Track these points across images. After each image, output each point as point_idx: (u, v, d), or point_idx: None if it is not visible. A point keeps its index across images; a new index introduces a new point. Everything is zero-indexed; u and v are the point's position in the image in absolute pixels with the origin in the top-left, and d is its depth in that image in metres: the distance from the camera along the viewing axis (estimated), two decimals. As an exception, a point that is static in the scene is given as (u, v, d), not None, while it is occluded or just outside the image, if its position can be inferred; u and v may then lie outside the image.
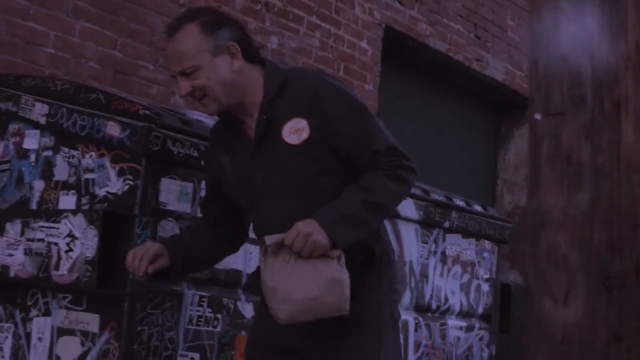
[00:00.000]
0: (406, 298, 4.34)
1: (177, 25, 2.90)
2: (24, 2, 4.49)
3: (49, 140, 3.69)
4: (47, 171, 3.67)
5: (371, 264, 2.91)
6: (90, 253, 3.24)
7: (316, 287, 2.67)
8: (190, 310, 3.46)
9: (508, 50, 7.68)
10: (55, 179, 3.63)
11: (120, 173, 3.38)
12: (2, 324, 3.69)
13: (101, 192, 3.43)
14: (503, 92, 7.79)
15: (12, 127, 3.89)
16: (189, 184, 3.45)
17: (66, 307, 3.45)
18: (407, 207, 4.30)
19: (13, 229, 3.59)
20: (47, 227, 3.45)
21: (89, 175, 3.50)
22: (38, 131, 3.75)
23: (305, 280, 2.68)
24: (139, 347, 3.29)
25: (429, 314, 4.51)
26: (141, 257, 2.98)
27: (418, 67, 7.21)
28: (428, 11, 6.84)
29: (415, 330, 4.39)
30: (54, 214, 3.44)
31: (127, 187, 3.35)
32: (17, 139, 3.88)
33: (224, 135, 3.01)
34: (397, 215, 4.25)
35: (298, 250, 2.69)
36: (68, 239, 3.34)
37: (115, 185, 3.39)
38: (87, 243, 3.26)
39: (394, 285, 3.02)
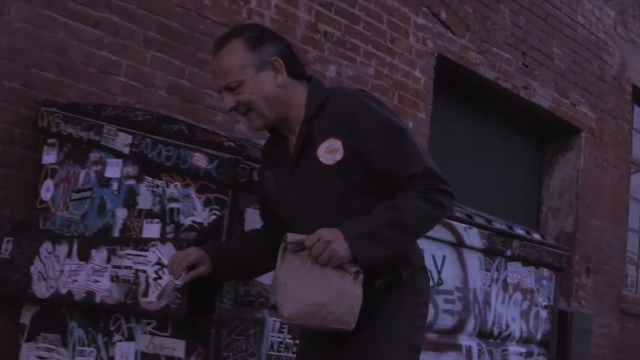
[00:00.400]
0: (470, 325, 4.43)
1: (223, 42, 2.95)
2: (99, 32, 4.62)
3: (132, 170, 3.79)
4: (130, 200, 3.76)
5: (396, 287, 2.89)
6: (179, 281, 3.34)
7: (326, 295, 2.68)
8: (272, 336, 3.55)
9: (555, 78, 7.75)
10: (139, 207, 3.72)
11: (207, 203, 3.47)
12: (84, 348, 3.79)
13: (187, 222, 3.52)
14: (549, 119, 7.86)
15: (94, 156, 3.99)
16: (269, 215, 3.55)
17: (151, 333, 3.53)
18: (472, 236, 4.39)
19: (99, 256, 3.68)
20: (134, 255, 3.54)
21: (173, 205, 3.59)
22: (121, 160, 3.85)
23: (316, 286, 2.69)
24: (224, 372, 3.39)
25: (491, 341, 4.59)
26: (179, 262, 3.06)
27: (468, 95, 7.29)
28: (479, 40, 6.93)
29: (479, 356, 4.47)
30: (142, 243, 3.53)
31: (213, 217, 3.44)
32: (99, 167, 3.97)
33: (271, 151, 3.06)
34: (463, 244, 4.34)
35: (316, 256, 2.71)
36: (157, 267, 3.44)
37: (201, 215, 3.48)
38: (177, 272, 3.36)
39: (420, 311, 2.96)
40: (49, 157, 4.23)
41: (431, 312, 4.21)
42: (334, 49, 5.82)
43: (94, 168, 3.98)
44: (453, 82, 6.91)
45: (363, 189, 2.86)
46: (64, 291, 3.79)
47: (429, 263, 4.19)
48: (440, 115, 6.72)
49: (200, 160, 3.49)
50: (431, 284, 4.09)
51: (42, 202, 4.18)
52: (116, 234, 3.78)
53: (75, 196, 4.03)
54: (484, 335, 4.53)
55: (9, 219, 4.32)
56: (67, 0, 4.50)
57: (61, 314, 3.90)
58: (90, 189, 3.97)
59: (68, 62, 4.51)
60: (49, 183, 4.19)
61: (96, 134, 3.96)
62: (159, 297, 3.39)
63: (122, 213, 3.79)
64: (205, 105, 5.09)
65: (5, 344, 4.12)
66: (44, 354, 3.96)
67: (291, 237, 2.76)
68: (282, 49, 2.96)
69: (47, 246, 3.92)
